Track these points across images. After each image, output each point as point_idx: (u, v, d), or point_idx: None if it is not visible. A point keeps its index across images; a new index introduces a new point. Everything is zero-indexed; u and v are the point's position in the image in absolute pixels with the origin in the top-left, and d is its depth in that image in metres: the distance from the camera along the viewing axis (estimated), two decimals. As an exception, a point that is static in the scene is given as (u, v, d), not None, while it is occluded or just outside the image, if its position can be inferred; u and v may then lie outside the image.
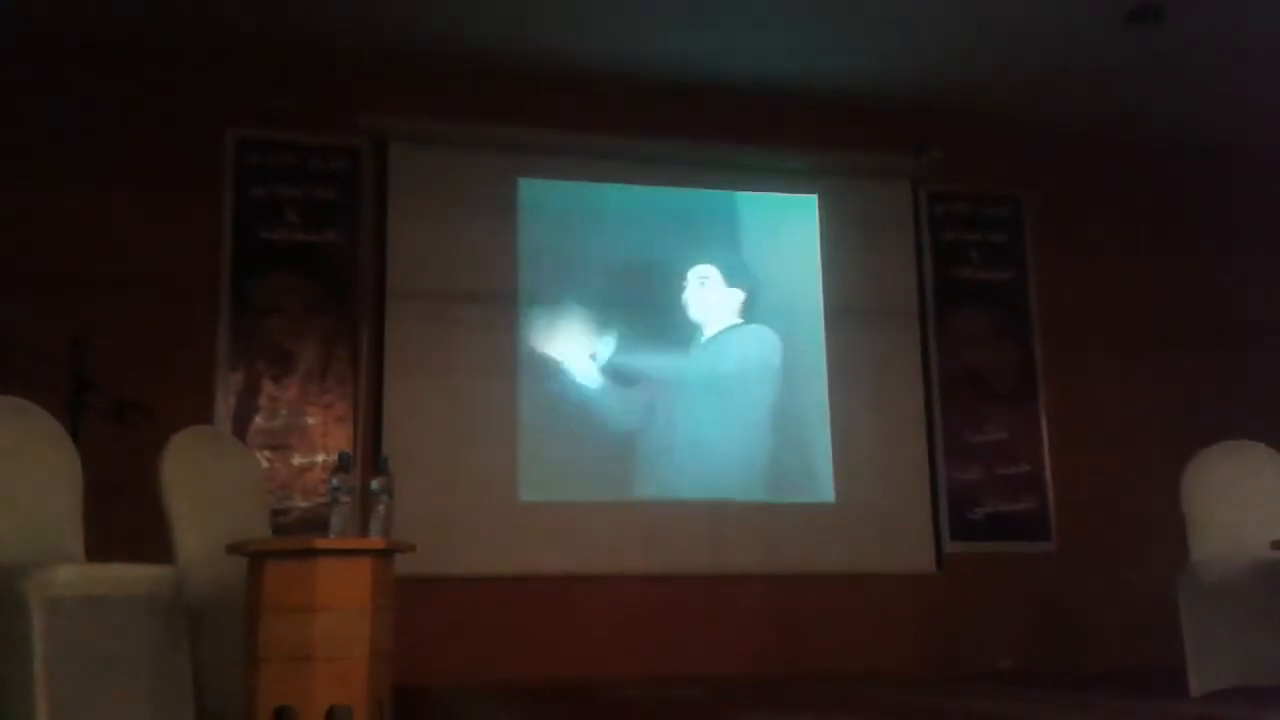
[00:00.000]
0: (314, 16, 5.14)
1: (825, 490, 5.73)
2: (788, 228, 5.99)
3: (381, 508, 3.09)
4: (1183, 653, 4.04)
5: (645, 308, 5.69)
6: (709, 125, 5.87)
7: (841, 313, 5.92)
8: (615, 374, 5.60)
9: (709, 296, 5.80)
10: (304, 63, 5.42)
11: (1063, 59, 5.58)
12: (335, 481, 3.16)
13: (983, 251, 6.19)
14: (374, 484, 3.13)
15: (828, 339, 5.87)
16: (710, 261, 5.83)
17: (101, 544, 3.02)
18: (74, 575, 2.61)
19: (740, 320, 5.83)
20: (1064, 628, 5.74)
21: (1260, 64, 5.60)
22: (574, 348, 5.59)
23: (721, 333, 5.80)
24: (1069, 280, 6.22)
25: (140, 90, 5.28)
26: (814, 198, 6.04)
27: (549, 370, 5.53)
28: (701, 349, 5.76)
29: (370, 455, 4.98)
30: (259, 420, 5.13)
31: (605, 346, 5.62)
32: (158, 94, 5.30)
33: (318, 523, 4.76)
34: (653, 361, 5.65)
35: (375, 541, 2.99)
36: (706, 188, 5.92)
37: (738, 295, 5.84)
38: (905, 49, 5.52)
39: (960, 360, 6.03)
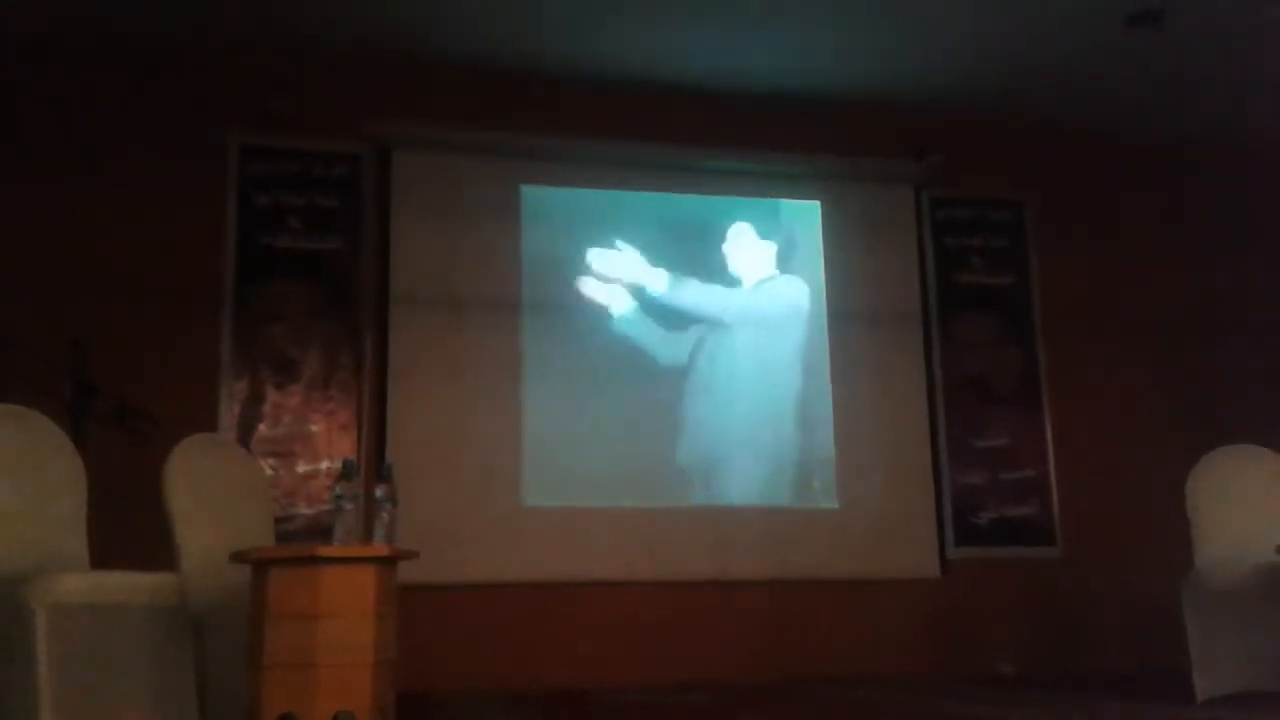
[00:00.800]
0: (316, 23, 5.14)
1: (829, 496, 5.72)
2: (788, 231, 5.99)
3: (385, 515, 3.09)
4: (1187, 658, 4.03)
5: (648, 307, 5.70)
6: (711, 131, 5.87)
7: (844, 318, 5.92)
8: (619, 374, 5.60)
9: (742, 251, 5.88)
10: (307, 69, 5.44)
11: (1063, 62, 5.59)
12: (339, 489, 3.16)
13: (985, 256, 6.19)
14: (378, 491, 3.13)
15: (831, 344, 5.87)
16: (710, 265, 5.84)
17: (105, 551, 3.02)
18: (77, 583, 2.62)
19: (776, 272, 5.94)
20: (1068, 632, 5.73)
21: (1260, 64, 5.60)
22: (577, 352, 5.59)
23: (755, 285, 5.88)
24: (1071, 284, 6.21)
25: (142, 95, 5.29)
26: (816, 203, 6.05)
27: (552, 376, 5.53)
28: (742, 295, 5.84)
29: (374, 462, 4.99)
30: (263, 428, 5.13)
31: (607, 347, 5.62)
32: (160, 98, 5.30)
33: (322, 530, 4.76)
34: (656, 360, 5.65)
35: (379, 549, 2.99)
36: (709, 194, 5.92)
37: (771, 247, 5.91)
38: (906, 54, 5.52)
39: (963, 365, 6.02)
